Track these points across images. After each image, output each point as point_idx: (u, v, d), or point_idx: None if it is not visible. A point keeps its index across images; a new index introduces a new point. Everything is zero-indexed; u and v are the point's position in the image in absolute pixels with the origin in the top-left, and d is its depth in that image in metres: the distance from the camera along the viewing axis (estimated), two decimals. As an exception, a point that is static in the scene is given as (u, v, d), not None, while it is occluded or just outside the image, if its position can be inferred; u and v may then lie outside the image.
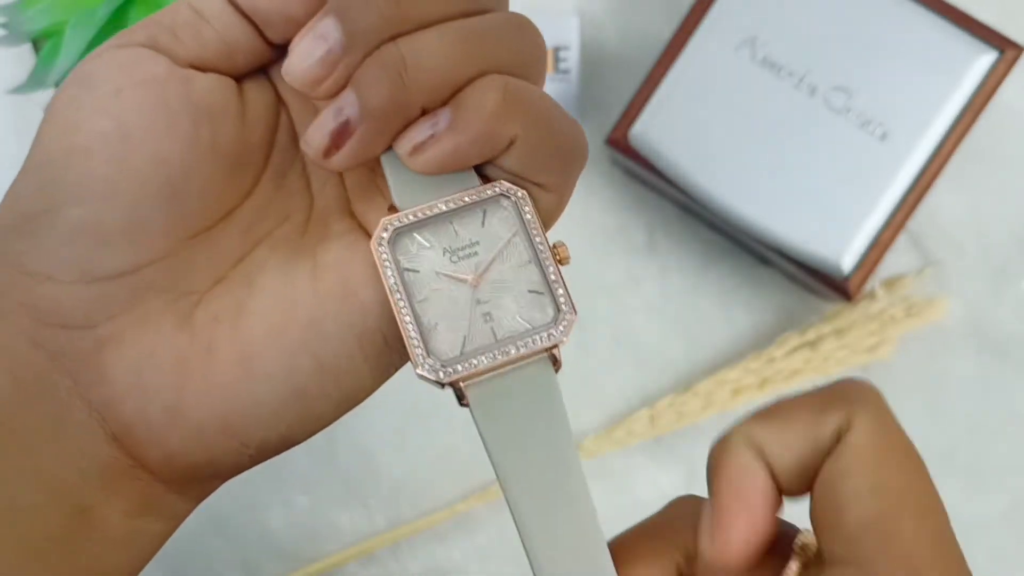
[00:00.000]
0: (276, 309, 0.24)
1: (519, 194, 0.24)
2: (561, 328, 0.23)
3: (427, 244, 0.24)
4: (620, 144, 0.47)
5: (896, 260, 0.49)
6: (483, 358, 0.23)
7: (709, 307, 0.50)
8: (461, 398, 0.23)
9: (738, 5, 0.45)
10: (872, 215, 0.44)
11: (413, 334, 0.23)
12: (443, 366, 0.23)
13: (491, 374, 0.23)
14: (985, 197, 0.49)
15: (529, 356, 0.23)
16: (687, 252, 0.50)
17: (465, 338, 0.23)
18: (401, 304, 0.23)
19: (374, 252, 0.23)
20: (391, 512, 0.49)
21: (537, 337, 0.23)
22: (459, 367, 0.23)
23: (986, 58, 0.44)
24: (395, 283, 0.23)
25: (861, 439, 0.21)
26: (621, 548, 0.23)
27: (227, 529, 0.49)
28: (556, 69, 0.49)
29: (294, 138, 0.26)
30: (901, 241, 0.49)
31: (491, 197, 0.24)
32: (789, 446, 0.22)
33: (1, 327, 0.24)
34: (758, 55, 0.45)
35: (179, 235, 0.24)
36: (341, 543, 0.49)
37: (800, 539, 0.22)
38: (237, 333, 0.24)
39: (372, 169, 0.26)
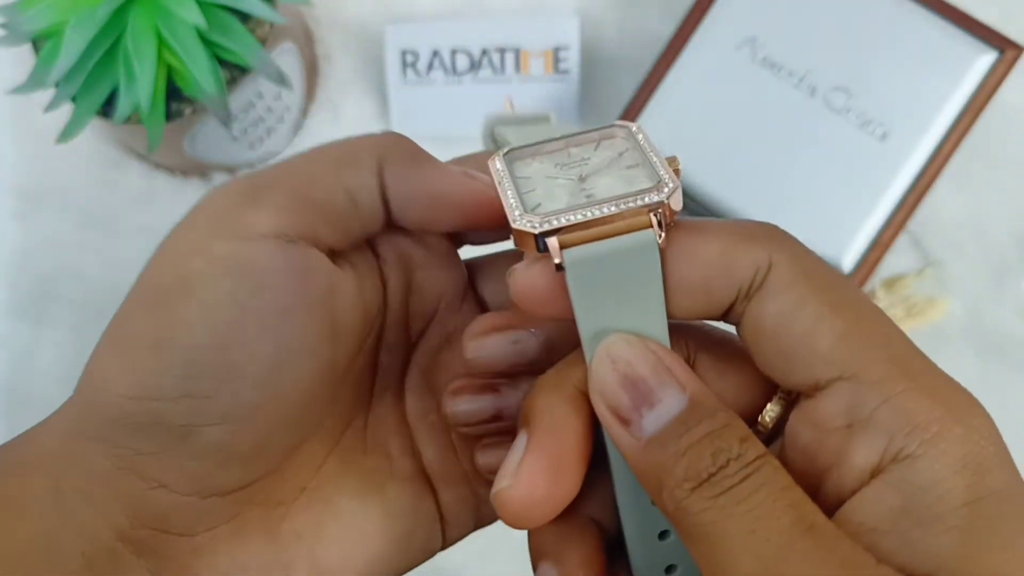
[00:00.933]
0: (349, 541, 0.25)
1: (633, 127, 0.23)
2: (665, 191, 0.22)
3: (540, 163, 0.24)
4: (620, 144, 0.47)
5: (896, 260, 0.49)
6: (579, 213, 0.22)
7: (709, 307, 0.50)
8: (559, 264, 0.22)
9: (738, 5, 0.45)
10: (872, 215, 0.44)
11: (513, 202, 0.22)
12: (541, 219, 0.22)
13: (590, 245, 0.22)
14: (985, 197, 0.49)
15: (628, 218, 0.22)
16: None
17: (565, 206, 0.22)
18: (509, 189, 0.23)
19: (490, 166, 0.23)
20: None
21: (637, 198, 0.22)
22: (555, 220, 0.22)
23: (986, 58, 0.44)
24: (505, 180, 0.23)
25: (788, 270, 0.21)
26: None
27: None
28: (556, 69, 0.49)
29: (379, 342, 0.27)
30: (901, 241, 0.49)
31: (606, 127, 0.24)
32: (697, 264, 0.22)
33: (87, 513, 0.23)
34: (758, 55, 0.45)
35: (290, 451, 0.24)
36: (341, 543, 0.49)
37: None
38: (314, 557, 0.25)
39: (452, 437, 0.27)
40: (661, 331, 0.22)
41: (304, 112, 0.51)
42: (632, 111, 0.46)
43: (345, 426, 0.27)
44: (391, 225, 0.25)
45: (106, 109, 0.42)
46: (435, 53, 0.50)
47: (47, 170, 0.51)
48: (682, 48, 0.46)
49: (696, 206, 0.46)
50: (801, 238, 0.49)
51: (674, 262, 0.22)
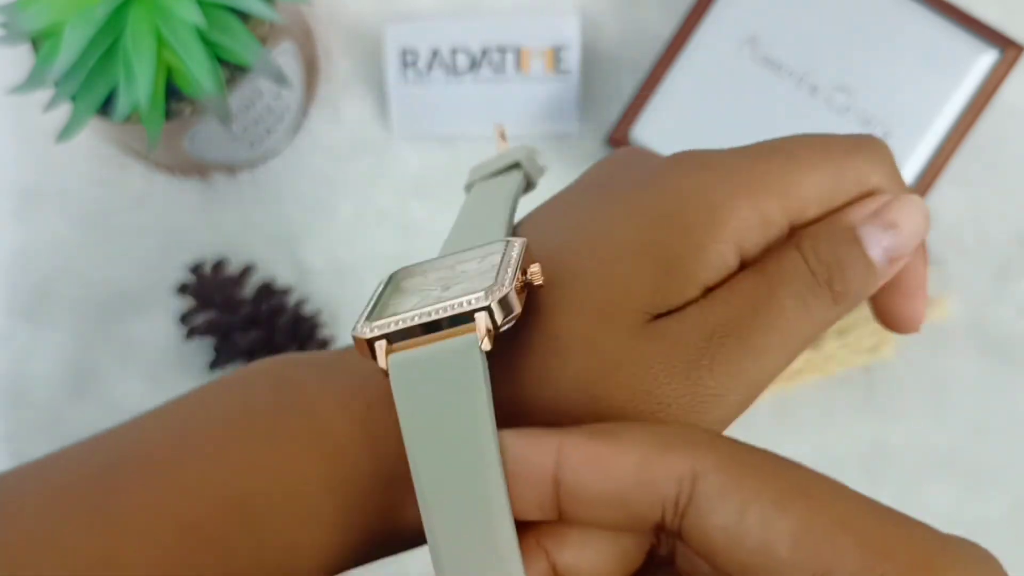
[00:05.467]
0: None
1: (517, 242, 0.23)
2: (480, 296, 0.21)
3: (423, 277, 0.24)
4: (621, 144, 0.46)
5: (897, 260, 0.49)
6: (399, 318, 0.22)
7: (710, 307, 0.50)
8: (385, 371, 0.22)
9: (739, 4, 0.45)
10: (873, 215, 0.44)
11: (368, 309, 0.23)
12: (372, 326, 0.22)
13: (416, 348, 0.22)
14: (986, 196, 0.49)
15: (449, 321, 0.21)
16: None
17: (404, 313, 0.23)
18: (373, 299, 0.24)
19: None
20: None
21: (458, 302, 0.22)
22: (384, 326, 0.22)
23: (987, 57, 0.44)
24: (379, 292, 0.24)
25: (717, 478, 0.20)
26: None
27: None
28: (556, 69, 0.49)
29: None
30: (902, 241, 0.48)
31: (494, 242, 0.24)
32: (611, 477, 0.20)
33: None
34: (759, 54, 0.45)
35: None
36: (341, 543, 0.49)
37: None
38: None
39: None
40: (488, 442, 0.20)
41: (304, 111, 0.51)
42: (633, 111, 0.46)
43: None
44: None
45: (105, 108, 0.42)
46: (435, 52, 0.49)
47: (46, 169, 0.51)
48: (682, 47, 0.46)
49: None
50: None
51: (587, 473, 0.20)
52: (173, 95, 0.43)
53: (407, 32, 0.49)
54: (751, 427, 0.49)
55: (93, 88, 0.41)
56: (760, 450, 0.21)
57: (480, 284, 0.22)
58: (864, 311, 0.47)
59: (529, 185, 0.30)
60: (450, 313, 0.21)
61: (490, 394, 0.21)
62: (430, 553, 0.20)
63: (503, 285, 0.22)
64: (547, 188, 0.53)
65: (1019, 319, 0.49)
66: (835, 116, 0.44)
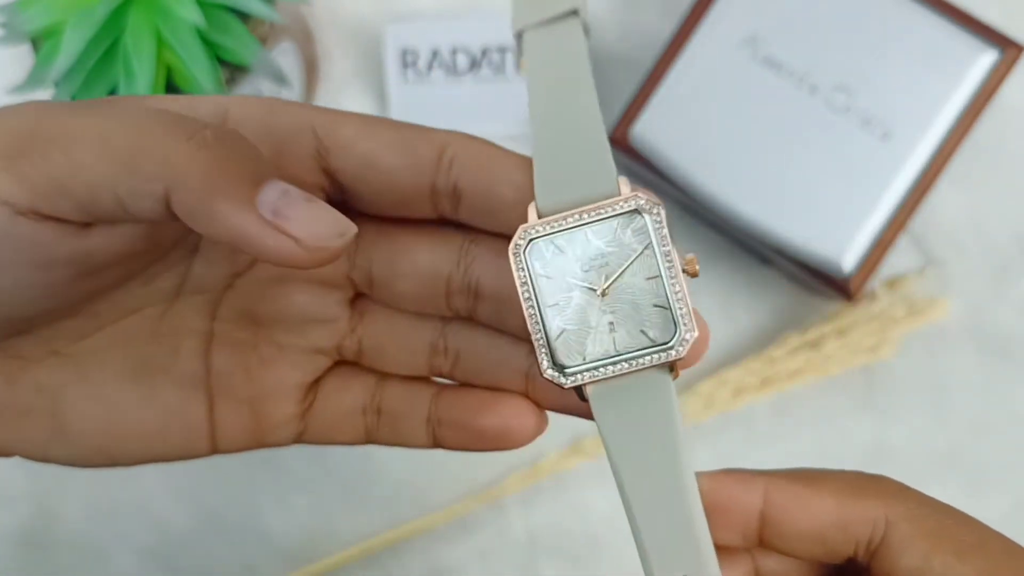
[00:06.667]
0: (95, 409, 0.26)
1: (654, 209, 0.25)
2: (680, 348, 0.24)
3: (561, 251, 0.25)
4: (621, 144, 0.46)
5: (897, 260, 0.49)
6: (603, 369, 0.24)
7: (710, 307, 0.50)
8: (582, 395, 0.25)
9: (739, 4, 0.45)
10: (873, 215, 0.44)
11: (540, 340, 0.25)
12: (566, 373, 0.25)
13: (612, 380, 0.25)
14: (986, 197, 0.49)
15: (646, 369, 0.24)
16: (687, 252, 0.50)
17: (587, 347, 0.25)
18: (531, 311, 0.25)
19: (511, 258, 0.25)
20: (391, 512, 0.49)
21: (656, 354, 0.24)
22: (581, 375, 0.25)
23: (987, 57, 0.44)
24: (528, 289, 0.25)
25: (907, 527, 0.23)
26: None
27: (227, 529, 0.49)
28: (556, 68, 0.49)
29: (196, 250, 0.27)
30: (902, 241, 0.49)
31: (627, 212, 0.25)
32: (811, 518, 0.24)
33: None
34: (759, 54, 0.45)
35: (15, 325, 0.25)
36: (341, 543, 0.49)
37: None
38: (55, 410, 0.26)
39: (256, 334, 0.28)
40: (677, 447, 0.24)
41: (304, 111, 0.51)
42: (632, 110, 0.46)
43: (126, 311, 0.27)
44: None
45: (105, 108, 0.42)
46: (435, 52, 0.49)
47: (46, 170, 0.51)
48: (682, 47, 0.46)
49: (696, 206, 0.46)
50: (802, 237, 0.49)
51: (791, 512, 0.24)
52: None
53: (407, 32, 0.49)
54: (751, 427, 0.49)
55: (93, 88, 0.41)
56: (942, 503, 0.24)
57: (648, 298, 0.25)
58: (864, 311, 0.47)
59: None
60: (647, 366, 0.24)
61: (677, 411, 0.24)
62: (639, 552, 0.24)
63: (690, 331, 0.24)
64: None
65: (1019, 319, 0.49)
66: (835, 116, 0.44)
